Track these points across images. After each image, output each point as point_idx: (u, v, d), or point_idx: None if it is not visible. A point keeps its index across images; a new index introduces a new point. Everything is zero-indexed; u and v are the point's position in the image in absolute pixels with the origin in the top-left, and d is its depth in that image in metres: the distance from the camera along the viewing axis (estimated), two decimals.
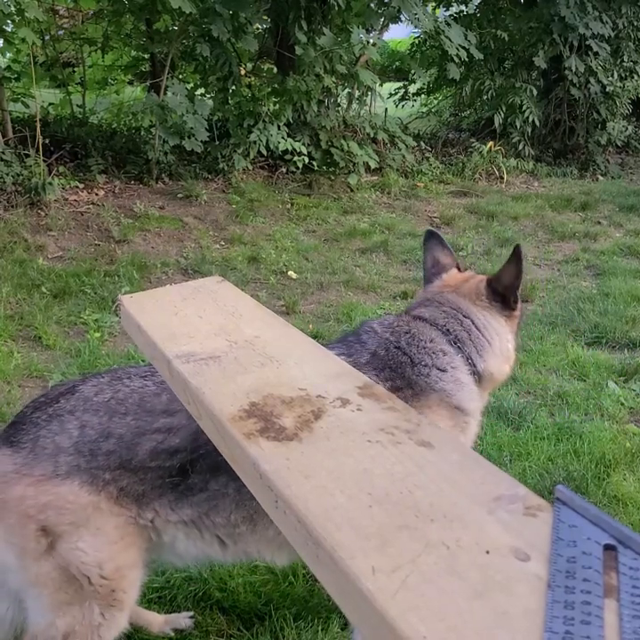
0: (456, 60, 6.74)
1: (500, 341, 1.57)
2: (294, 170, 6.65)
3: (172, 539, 1.40)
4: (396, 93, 9.22)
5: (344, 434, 0.64)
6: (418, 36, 8.42)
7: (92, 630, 1.34)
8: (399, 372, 1.47)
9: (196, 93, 6.41)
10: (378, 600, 0.45)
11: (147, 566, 1.45)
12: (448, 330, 1.55)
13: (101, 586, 1.31)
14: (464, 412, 1.50)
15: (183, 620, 1.79)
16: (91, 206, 5.49)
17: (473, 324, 1.56)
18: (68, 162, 6.03)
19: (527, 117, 7.80)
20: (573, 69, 7.70)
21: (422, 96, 9.77)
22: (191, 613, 1.81)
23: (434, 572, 0.47)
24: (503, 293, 1.55)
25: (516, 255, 1.47)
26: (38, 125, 5.27)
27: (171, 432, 1.32)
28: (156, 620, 1.77)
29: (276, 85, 6.56)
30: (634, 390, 3.11)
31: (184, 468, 1.34)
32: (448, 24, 6.73)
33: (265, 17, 6.72)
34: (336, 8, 6.36)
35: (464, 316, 1.57)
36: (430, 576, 0.47)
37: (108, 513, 1.30)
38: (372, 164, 6.77)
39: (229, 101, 6.66)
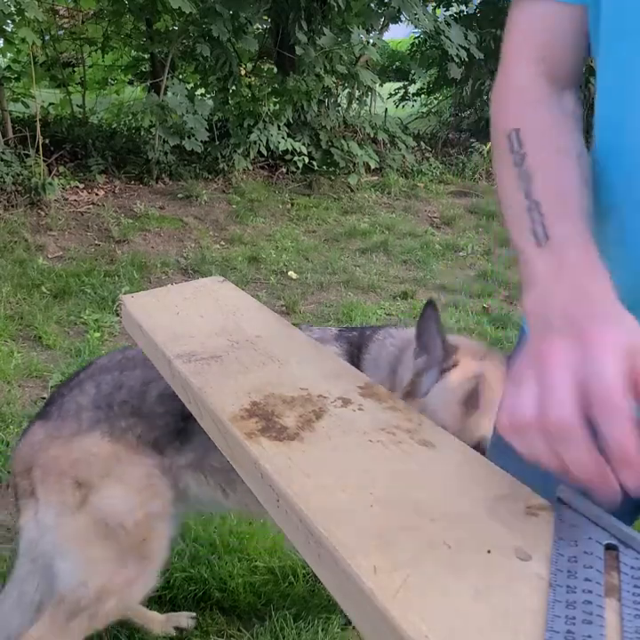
0: (456, 60, 6.74)
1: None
2: (294, 170, 6.65)
3: (185, 485, 1.48)
4: (396, 93, 9.22)
5: (345, 433, 0.64)
6: (418, 36, 8.41)
7: (123, 587, 1.38)
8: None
9: (196, 93, 6.41)
10: (379, 599, 0.45)
11: (174, 523, 1.50)
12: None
13: (134, 534, 1.36)
14: None
15: (185, 619, 1.79)
16: (91, 206, 5.49)
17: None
18: (68, 162, 6.03)
19: None
20: None
21: (422, 96, 9.75)
22: (193, 614, 1.81)
23: (435, 572, 0.47)
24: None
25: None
26: (38, 125, 5.26)
27: None
28: (157, 619, 1.77)
29: (276, 85, 6.56)
30: None
31: (184, 412, 1.38)
32: (448, 24, 6.73)
33: (265, 17, 6.72)
34: (336, 8, 6.35)
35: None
36: (432, 575, 0.47)
37: (129, 461, 1.38)
38: (372, 164, 6.76)
39: (229, 101, 6.66)
